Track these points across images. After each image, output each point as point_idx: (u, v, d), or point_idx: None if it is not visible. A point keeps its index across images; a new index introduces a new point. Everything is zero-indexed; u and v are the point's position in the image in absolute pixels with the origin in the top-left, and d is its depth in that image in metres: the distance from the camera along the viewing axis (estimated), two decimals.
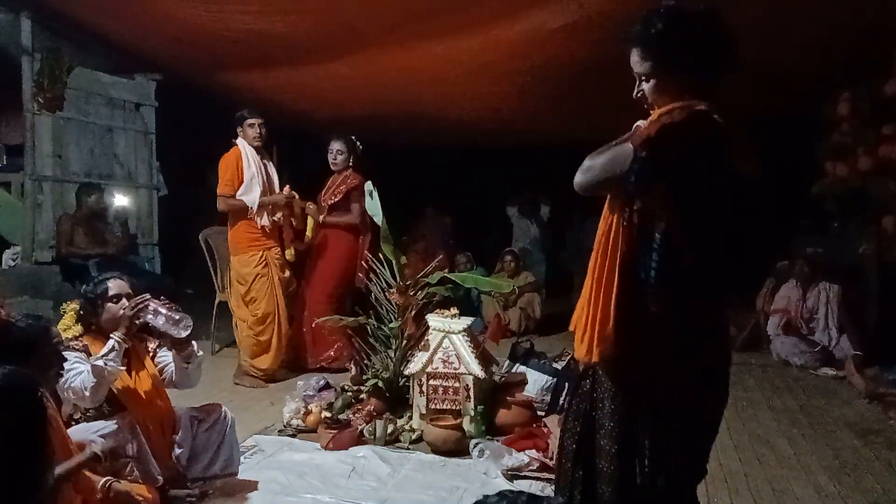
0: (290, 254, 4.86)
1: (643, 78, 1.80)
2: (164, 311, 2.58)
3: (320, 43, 5.28)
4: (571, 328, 1.87)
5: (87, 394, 2.43)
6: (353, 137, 5.14)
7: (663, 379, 1.73)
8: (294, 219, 4.88)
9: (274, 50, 5.49)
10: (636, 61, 1.79)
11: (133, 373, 2.70)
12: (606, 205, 1.81)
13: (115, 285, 2.68)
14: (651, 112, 1.84)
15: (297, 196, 4.83)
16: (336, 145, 5.07)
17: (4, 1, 5.48)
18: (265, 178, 4.71)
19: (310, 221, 4.93)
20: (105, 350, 2.49)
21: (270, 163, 4.87)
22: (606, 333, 1.72)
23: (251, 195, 4.62)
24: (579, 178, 1.78)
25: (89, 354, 2.59)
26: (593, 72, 5.16)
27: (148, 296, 2.62)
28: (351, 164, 5.10)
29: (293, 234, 4.91)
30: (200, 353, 2.82)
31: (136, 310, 2.56)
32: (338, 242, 5.06)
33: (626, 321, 1.72)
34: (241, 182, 4.62)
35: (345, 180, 5.05)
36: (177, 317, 2.59)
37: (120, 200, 5.96)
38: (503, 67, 5.49)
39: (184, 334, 2.62)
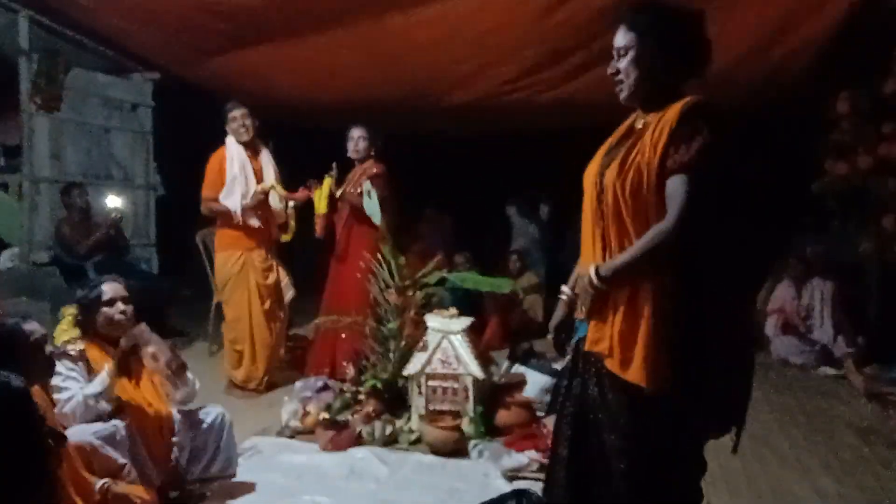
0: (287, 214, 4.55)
1: (621, 52, 1.85)
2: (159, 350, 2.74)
3: (314, 11, 5.04)
4: (605, 351, 1.86)
5: (78, 419, 2.46)
6: (377, 128, 4.76)
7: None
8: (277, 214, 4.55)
9: (268, 24, 5.29)
10: (619, 36, 1.85)
11: (132, 378, 2.70)
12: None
13: (109, 289, 2.69)
14: (621, 97, 1.88)
15: (274, 186, 4.44)
16: (357, 132, 4.64)
17: (2, 2, 5.46)
18: (247, 178, 4.37)
19: (325, 189, 4.54)
20: (98, 387, 2.50)
21: (267, 153, 4.56)
22: (666, 360, 1.74)
23: (231, 199, 4.33)
24: (685, 222, 1.70)
25: (86, 360, 2.61)
26: (596, 52, 5.06)
27: (143, 326, 2.69)
28: (373, 153, 4.68)
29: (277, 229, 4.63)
30: (197, 383, 2.93)
31: (131, 344, 2.62)
32: (362, 242, 4.57)
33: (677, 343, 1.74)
34: (224, 184, 4.35)
35: (365, 171, 4.60)
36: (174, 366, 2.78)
37: (114, 201, 5.85)
38: (502, 38, 5.22)
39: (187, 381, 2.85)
